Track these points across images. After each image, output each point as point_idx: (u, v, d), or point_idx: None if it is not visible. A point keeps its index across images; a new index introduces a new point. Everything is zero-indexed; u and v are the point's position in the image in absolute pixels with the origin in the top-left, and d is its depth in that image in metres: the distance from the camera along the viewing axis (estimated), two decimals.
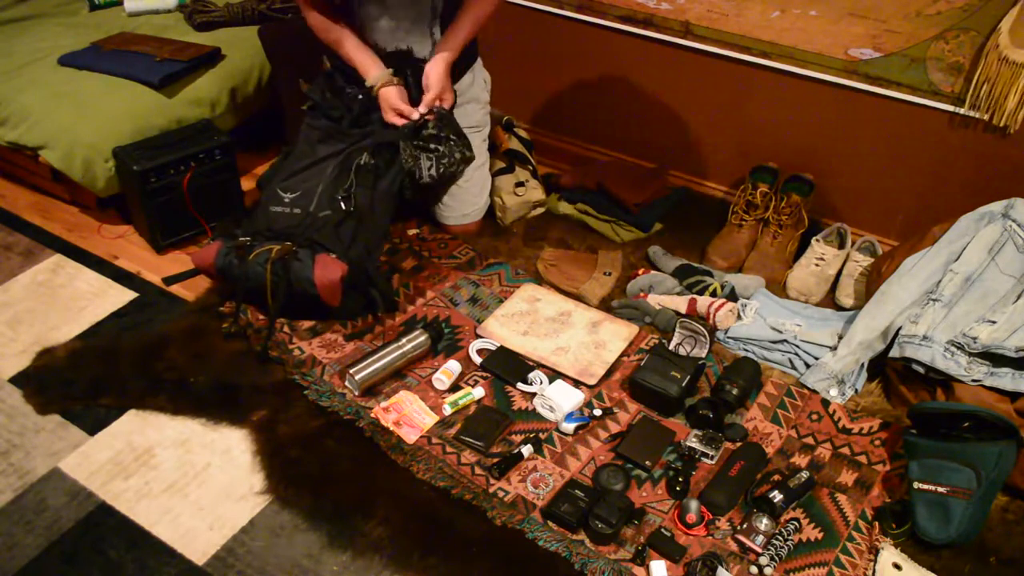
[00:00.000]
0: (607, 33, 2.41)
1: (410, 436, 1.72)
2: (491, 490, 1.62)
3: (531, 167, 2.40)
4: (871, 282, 2.01)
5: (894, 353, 1.81)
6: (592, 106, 2.58)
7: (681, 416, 1.80)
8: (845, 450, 1.73)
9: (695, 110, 2.41)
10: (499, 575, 1.49)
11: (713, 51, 2.26)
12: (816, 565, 1.52)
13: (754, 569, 1.50)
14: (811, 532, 1.57)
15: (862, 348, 1.87)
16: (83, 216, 2.37)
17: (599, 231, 2.33)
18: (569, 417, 1.75)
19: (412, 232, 2.30)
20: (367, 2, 2.01)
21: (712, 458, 1.69)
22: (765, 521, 1.55)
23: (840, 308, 2.10)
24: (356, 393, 1.81)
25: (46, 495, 1.61)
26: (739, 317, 2.01)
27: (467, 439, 1.71)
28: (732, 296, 2.06)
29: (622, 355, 1.93)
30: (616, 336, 1.97)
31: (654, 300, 2.05)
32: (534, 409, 1.79)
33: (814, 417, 1.81)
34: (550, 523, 1.57)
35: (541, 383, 1.84)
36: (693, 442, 1.70)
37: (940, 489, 1.54)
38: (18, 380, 1.85)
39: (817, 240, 2.18)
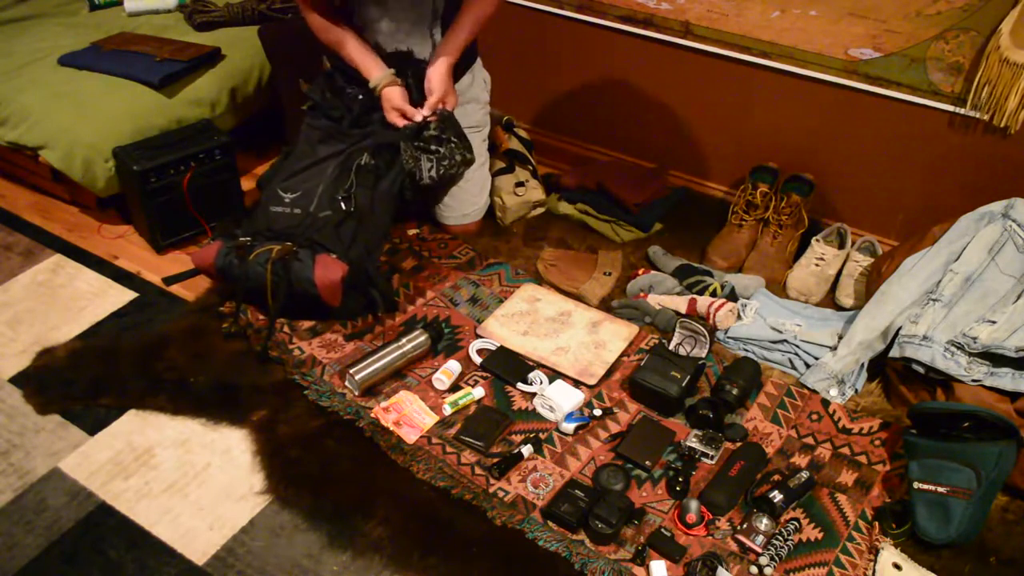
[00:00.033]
0: (607, 33, 2.41)
1: (410, 436, 1.72)
2: (491, 490, 1.62)
3: (531, 167, 2.40)
4: (871, 282, 2.01)
5: (894, 353, 1.81)
6: (592, 106, 2.58)
7: (681, 416, 1.80)
8: (845, 450, 1.74)
9: (695, 110, 2.41)
10: (499, 575, 1.49)
11: (713, 51, 2.26)
12: (816, 565, 1.52)
13: (754, 569, 1.50)
14: (811, 532, 1.57)
15: (862, 348, 1.87)
16: (83, 216, 2.37)
17: (599, 231, 2.33)
18: (569, 417, 1.75)
19: (412, 232, 2.30)
20: (367, 4, 2.01)
21: (712, 458, 1.69)
22: (765, 521, 1.55)
23: (840, 308, 2.10)
24: (356, 393, 1.81)
25: (46, 495, 1.61)
26: (739, 317, 2.01)
27: (467, 439, 1.71)
28: (732, 296, 2.06)
29: (622, 355, 1.93)
30: (616, 336, 1.97)
31: (654, 300, 2.05)
32: (534, 409, 1.79)
33: (814, 417, 1.81)
34: (550, 523, 1.57)
35: (541, 383, 1.84)
36: (693, 442, 1.70)
37: (940, 489, 1.54)
38: (18, 380, 1.85)
39: (817, 240, 2.18)
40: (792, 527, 1.55)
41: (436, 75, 2.02)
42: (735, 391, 1.77)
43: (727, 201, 2.39)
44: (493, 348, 1.93)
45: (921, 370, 1.76)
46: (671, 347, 1.93)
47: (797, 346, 1.92)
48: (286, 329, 1.96)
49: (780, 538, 1.53)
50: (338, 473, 1.65)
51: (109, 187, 2.23)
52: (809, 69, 2.15)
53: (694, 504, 1.57)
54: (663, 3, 2.27)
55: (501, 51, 2.41)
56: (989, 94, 1.92)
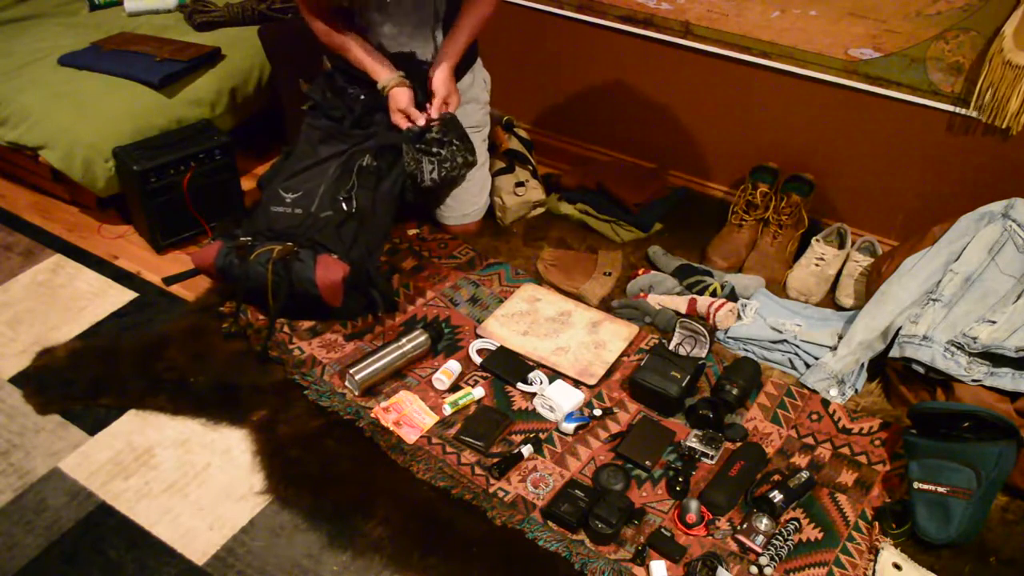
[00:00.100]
0: (607, 33, 2.41)
1: (410, 436, 1.72)
2: (491, 490, 1.62)
3: (531, 167, 2.40)
4: (871, 282, 2.01)
5: (894, 353, 1.81)
6: (592, 106, 2.58)
7: (681, 416, 1.80)
8: (845, 450, 1.74)
9: (695, 110, 2.41)
10: (499, 575, 1.49)
11: (713, 51, 2.26)
12: (816, 565, 1.52)
13: (754, 569, 1.50)
14: (811, 532, 1.57)
15: (862, 348, 1.87)
16: (83, 216, 2.37)
17: (599, 231, 2.33)
18: (569, 417, 1.75)
19: (412, 232, 2.30)
20: (369, 8, 2.01)
21: (712, 458, 1.69)
22: (765, 521, 1.55)
23: (840, 308, 2.10)
24: (356, 393, 1.81)
25: (46, 495, 1.61)
26: (739, 317, 2.01)
27: (467, 439, 1.71)
28: (732, 296, 2.06)
29: (622, 355, 1.93)
30: (616, 336, 1.97)
31: (654, 300, 2.05)
32: (534, 409, 1.79)
33: (814, 417, 1.81)
34: (550, 523, 1.57)
35: (541, 383, 1.84)
36: (693, 442, 1.70)
37: (940, 489, 1.54)
38: (18, 380, 1.85)
39: (817, 240, 2.18)
40: (792, 527, 1.55)
41: (439, 77, 2.03)
42: (735, 391, 1.77)
43: (727, 201, 2.39)
44: (493, 348, 1.93)
45: (921, 370, 1.76)
46: (671, 347, 1.93)
47: (797, 346, 1.92)
48: (286, 329, 1.96)
49: (780, 538, 1.53)
50: (338, 473, 1.65)
51: (109, 187, 2.23)
52: (809, 69, 2.15)
53: (694, 504, 1.57)
54: (663, 3, 2.27)
55: (501, 51, 2.41)
56: (992, 96, 1.92)
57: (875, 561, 1.52)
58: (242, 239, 1.92)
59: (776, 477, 1.65)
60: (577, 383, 1.85)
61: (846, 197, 2.29)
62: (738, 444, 1.73)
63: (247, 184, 2.40)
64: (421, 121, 2.04)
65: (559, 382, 1.82)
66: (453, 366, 1.86)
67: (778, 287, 2.15)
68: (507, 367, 1.87)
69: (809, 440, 1.76)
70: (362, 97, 2.07)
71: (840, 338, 1.91)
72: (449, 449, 1.70)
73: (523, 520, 1.57)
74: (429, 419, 1.76)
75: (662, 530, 1.54)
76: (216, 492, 1.63)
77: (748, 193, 2.26)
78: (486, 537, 1.54)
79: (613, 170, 2.45)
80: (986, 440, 1.55)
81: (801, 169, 2.28)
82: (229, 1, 2.65)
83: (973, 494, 1.52)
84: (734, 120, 2.35)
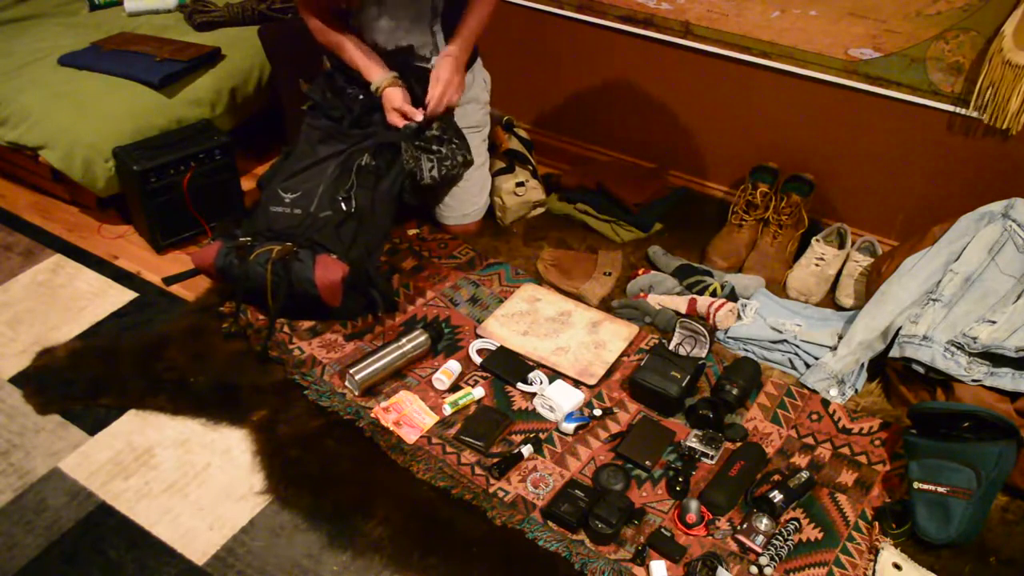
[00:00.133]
0: (607, 33, 2.41)
1: (410, 436, 1.72)
2: (491, 490, 1.62)
3: (531, 167, 2.40)
4: (871, 282, 2.01)
5: (894, 353, 1.81)
6: (592, 106, 2.58)
7: (681, 416, 1.80)
8: (845, 450, 1.73)
9: (695, 110, 2.41)
10: (499, 575, 1.49)
11: (713, 51, 2.26)
12: (816, 565, 1.52)
13: (754, 569, 1.50)
14: (811, 532, 1.57)
15: (862, 348, 1.87)
16: (83, 216, 2.37)
17: (599, 231, 2.33)
18: (569, 417, 1.75)
19: (412, 232, 2.30)
20: (366, 3, 2.01)
21: (712, 458, 1.69)
22: (765, 521, 1.55)
23: (840, 308, 2.10)
24: (356, 393, 1.81)
25: (46, 495, 1.61)
26: (739, 317, 2.01)
27: (467, 439, 1.71)
28: (732, 296, 2.06)
29: (622, 355, 1.93)
30: (616, 336, 1.97)
31: (654, 300, 2.05)
32: (534, 409, 1.79)
33: (814, 417, 1.81)
34: (550, 523, 1.57)
35: (541, 383, 1.84)
36: (693, 442, 1.70)
37: (940, 489, 1.54)
38: (18, 380, 1.85)
39: (817, 240, 2.18)
40: (792, 527, 1.55)
41: (445, 65, 2.01)
42: (735, 391, 1.77)
43: (727, 201, 2.38)
44: (493, 348, 1.93)
45: (921, 370, 1.76)
46: (671, 347, 1.93)
47: (797, 346, 1.92)
48: (286, 329, 1.96)
49: (780, 538, 1.53)
50: (338, 473, 1.65)
51: (109, 187, 2.23)
52: (809, 69, 2.15)
53: (694, 504, 1.57)
54: (663, 3, 2.27)
55: (501, 51, 2.41)
56: (992, 96, 1.92)
57: (875, 561, 1.52)
58: (242, 239, 1.92)
59: (776, 477, 1.65)
60: (577, 383, 1.85)
61: (846, 197, 2.29)
62: (738, 444, 1.73)
63: (247, 184, 2.40)
64: (419, 117, 2.03)
65: (559, 382, 1.82)
66: (453, 366, 1.86)
67: (778, 287, 2.15)
68: (507, 367, 1.87)
69: (809, 440, 1.76)
70: (361, 97, 2.07)
71: (840, 338, 1.91)
72: (449, 449, 1.70)
73: (523, 520, 1.57)
74: (429, 419, 1.76)
75: (662, 530, 1.54)
76: (216, 492, 1.63)
77: (748, 193, 2.26)
78: (486, 537, 1.54)
79: (613, 170, 2.45)
80: (986, 440, 1.55)
81: (801, 169, 2.28)
82: (229, 1, 2.65)
83: (973, 494, 1.52)
84: (734, 120, 2.35)
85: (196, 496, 1.62)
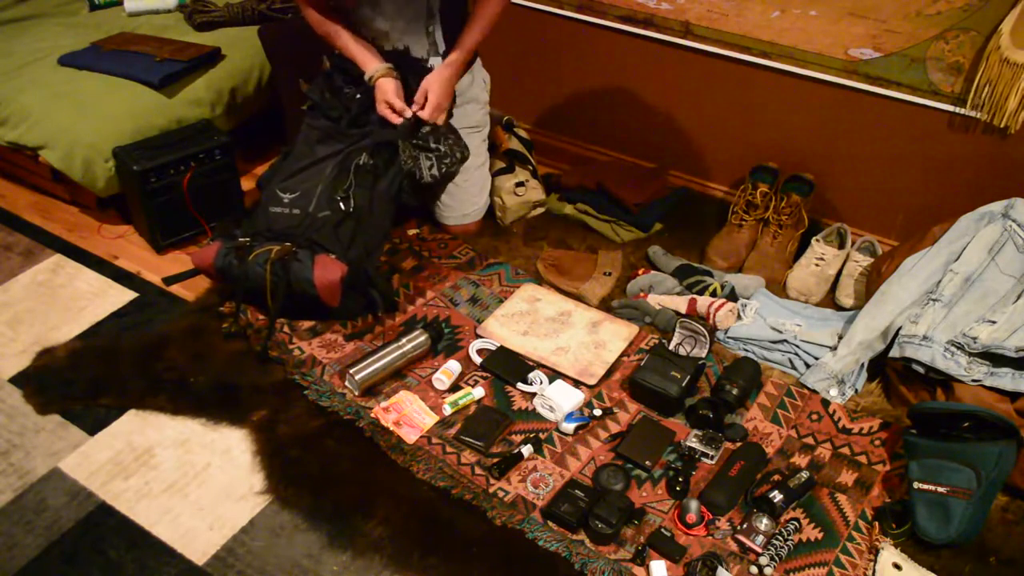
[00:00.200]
0: (607, 33, 2.41)
1: (410, 436, 1.72)
2: (491, 490, 1.62)
3: (531, 167, 2.40)
4: (871, 282, 2.00)
5: (894, 353, 1.81)
6: (592, 106, 2.58)
7: (681, 416, 1.80)
8: (845, 450, 1.73)
9: (695, 110, 2.41)
10: (499, 575, 1.49)
11: (713, 51, 2.26)
12: (816, 565, 1.52)
13: (754, 569, 1.50)
14: (811, 532, 1.57)
15: (862, 348, 1.87)
16: (83, 216, 2.37)
17: (599, 231, 2.33)
18: (569, 417, 1.75)
19: (412, 232, 2.30)
20: (361, 4, 2.00)
21: (712, 458, 1.69)
22: (765, 521, 1.55)
23: (840, 308, 2.10)
24: (356, 393, 1.81)
25: (46, 495, 1.61)
26: (739, 317, 2.01)
27: (467, 439, 1.71)
28: (732, 296, 2.06)
29: (622, 355, 1.93)
30: (616, 336, 1.97)
31: (654, 300, 2.05)
32: (534, 409, 1.79)
33: (814, 417, 1.81)
34: (550, 523, 1.57)
35: (541, 383, 1.84)
36: (693, 442, 1.70)
37: (940, 489, 1.54)
38: (18, 380, 1.85)
39: (817, 240, 2.18)
40: (792, 527, 1.55)
41: (437, 80, 2.01)
42: (735, 391, 1.77)
43: (727, 201, 2.38)
44: (493, 348, 1.93)
45: (921, 370, 1.76)
46: (671, 347, 1.93)
47: (797, 346, 1.92)
48: (286, 329, 1.96)
49: (780, 538, 1.53)
50: (338, 473, 1.65)
51: (109, 187, 2.23)
52: (809, 69, 2.15)
53: (694, 504, 1.57)
54: (663, 3, 2.27)
55: (501, 51, 2.41)
56: (990, 94, 1.92)
57: (875, 561, 1.52)
58: (241, 239, 1.92)
59: (776, 477, 1.65)
60: (577, 383, 1.85)
61: (846, 197, 2.29)
62: (738, 444, 1.73)
63: (247, 184, 2.40)
64: (408, 113, 2.02)
65: (559, 382, 1.82)
66: (453, 366, 1.86)
67: (778, 287, 2.15)
68: (507, 367, 1.87)
69: (809, 440, 1.76)
70: (358, 96, 2.07)
71: (840, 338, 1.91)
72: (449, 449, 1.70)
73: (523, 520, 1.57)
74: (429, 419, 1.76)
75: (662, 530, 1.54)
76: (216, 492, 1.63)
77: (748, 193, 2.26)
78: (486, 537, 1.54)
79: (613, 170, 2.45)
80: (986, 440, 1.55)
81: (801, 169, 2.28)
82: (229, 1, 2.65)
83: (973, 494, 1.52)
84: (734, 120, 2.35)
85: (196, 496, 1.62)
